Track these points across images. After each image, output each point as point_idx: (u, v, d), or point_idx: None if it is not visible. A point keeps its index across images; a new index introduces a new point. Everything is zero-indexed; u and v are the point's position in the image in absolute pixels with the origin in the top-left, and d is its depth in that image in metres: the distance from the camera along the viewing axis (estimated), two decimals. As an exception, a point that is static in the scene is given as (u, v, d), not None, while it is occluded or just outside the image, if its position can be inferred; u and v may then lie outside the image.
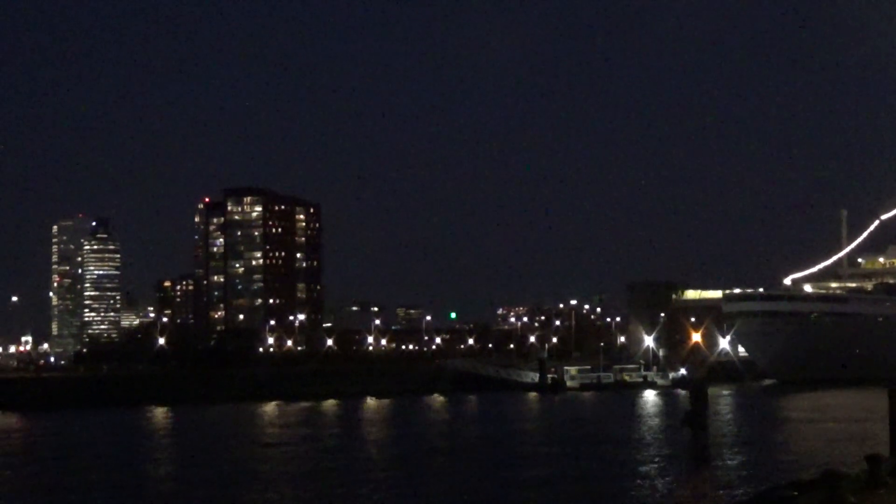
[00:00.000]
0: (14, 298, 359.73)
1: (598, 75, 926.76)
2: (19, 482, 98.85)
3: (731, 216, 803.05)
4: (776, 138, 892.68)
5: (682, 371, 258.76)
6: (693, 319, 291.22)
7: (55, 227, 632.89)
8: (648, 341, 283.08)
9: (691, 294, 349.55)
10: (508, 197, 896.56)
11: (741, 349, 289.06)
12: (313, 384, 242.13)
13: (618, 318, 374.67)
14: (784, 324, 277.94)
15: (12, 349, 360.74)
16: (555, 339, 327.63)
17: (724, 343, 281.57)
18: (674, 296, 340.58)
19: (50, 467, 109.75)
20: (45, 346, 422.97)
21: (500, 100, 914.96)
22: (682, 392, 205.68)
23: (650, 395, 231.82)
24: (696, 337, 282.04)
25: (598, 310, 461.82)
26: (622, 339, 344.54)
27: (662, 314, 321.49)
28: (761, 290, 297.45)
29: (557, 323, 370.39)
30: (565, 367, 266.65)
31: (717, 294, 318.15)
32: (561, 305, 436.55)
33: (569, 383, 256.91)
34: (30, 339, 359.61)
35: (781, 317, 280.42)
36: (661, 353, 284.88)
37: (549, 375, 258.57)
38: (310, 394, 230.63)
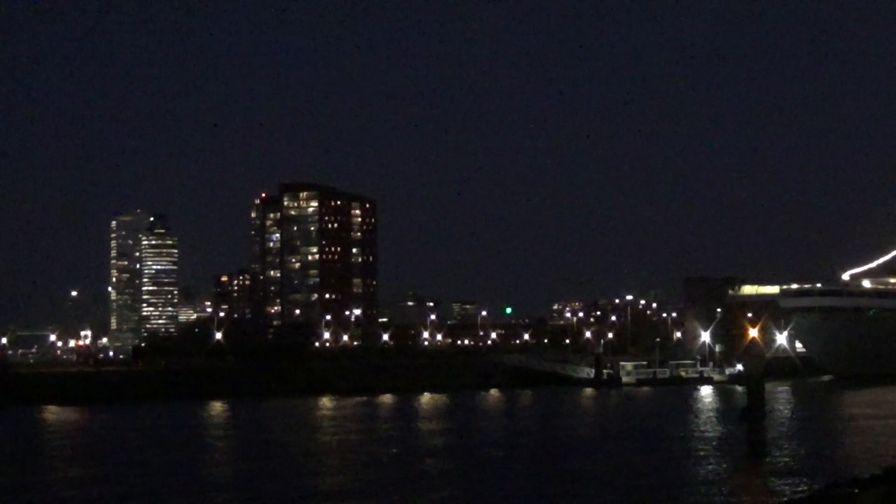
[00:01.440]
0: (74, 293, 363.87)
1: (653, 71, 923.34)
2: (84, 475, 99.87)
3: (789, 211, 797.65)
4: (836, 132, 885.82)
5: (739, 367, 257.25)
6: (750, 315, 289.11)
7: (113, 223, 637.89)
8: (705, 337, 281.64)
9: (748, 289, 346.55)
10: (565, 191, 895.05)
11: (798, 345, 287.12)
12: (369, 379, 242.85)
13: (674, 314, 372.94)
14: (842, 319, 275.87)
15: (72, 343, 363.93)
16: (610, 335, 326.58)
17: (781, 339, 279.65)
18: (730, 291, 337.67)
19: (113, 461, 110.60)
20: (105, 340, 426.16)
21: (552, 95, 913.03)
22: (738, 388, 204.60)
23: (706, 391, 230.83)
24: (753, 332, 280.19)
25: (654, 305, 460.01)
26: (678, 334, 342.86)
27: (719, 309, 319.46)
28: (819, 285, 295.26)
29: (613, 318, 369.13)
30: (621, 363, 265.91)
31: (774, 289, 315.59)
32: (617, 300, 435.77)
33: (625, 379, 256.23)
34: (89, 333, 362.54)
35: (839, 312, 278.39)
36: (717, 348, 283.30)
37: (605, 371, 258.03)
38: (365, 388, 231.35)
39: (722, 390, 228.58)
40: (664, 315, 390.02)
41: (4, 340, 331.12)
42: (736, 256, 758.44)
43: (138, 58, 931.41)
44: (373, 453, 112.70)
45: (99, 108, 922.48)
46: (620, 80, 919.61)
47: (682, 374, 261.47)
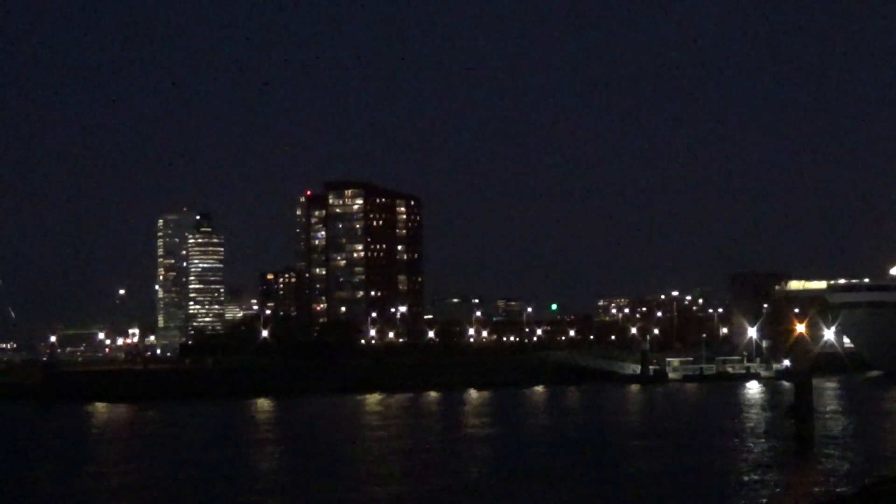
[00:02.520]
0: (122, 292, 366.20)
1: (696, 66, 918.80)
2: (133, 472, 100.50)
3: (837, 205, 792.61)
4: (887, 127, 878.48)
5: (786, 362, 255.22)
6: (797, 310, 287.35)
7: (160, 221, 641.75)
8: (751, 332, 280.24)
9: (795, 284, 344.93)
10: (610, 187, 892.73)
11: (846, 340, 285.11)
12: (414, 376, 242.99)
13: (720, 309, 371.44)
14: (890, 314, 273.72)
15: (120, 342, 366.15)
16: (656, 331, 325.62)
17: (828, 334, 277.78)
18: (777, 286, 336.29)
19: (162, 458, 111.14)
20: (152, 338, 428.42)
21: (598, 91, 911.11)
22: (785, 384, 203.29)
23: (753, 387, 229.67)
24: (801, 328, 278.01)
25: (701, 301, 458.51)
26: (724, 330, 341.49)
27: (765, 305, 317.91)
28: (867, 280, 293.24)
29: (659, 314, 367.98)
30: (667, 359, 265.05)
31: (821, 284, 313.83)
32: (662, 296, 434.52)
33: (671, 375, 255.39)
34: (137, 331, 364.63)
35: (887, 307, 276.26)
36: (764, 344, 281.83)
37: (651, 367, 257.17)
38: (411, 385, 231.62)
39: (769, 386, 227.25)
40: (710, 311, 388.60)
41: (53, 339, 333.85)
42: (783, 252, 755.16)
43: (185, 58, 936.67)
44: (420, 450, 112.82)
45: (146, 107, 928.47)
46: (664, 75, 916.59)
47: (729, 370, 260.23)
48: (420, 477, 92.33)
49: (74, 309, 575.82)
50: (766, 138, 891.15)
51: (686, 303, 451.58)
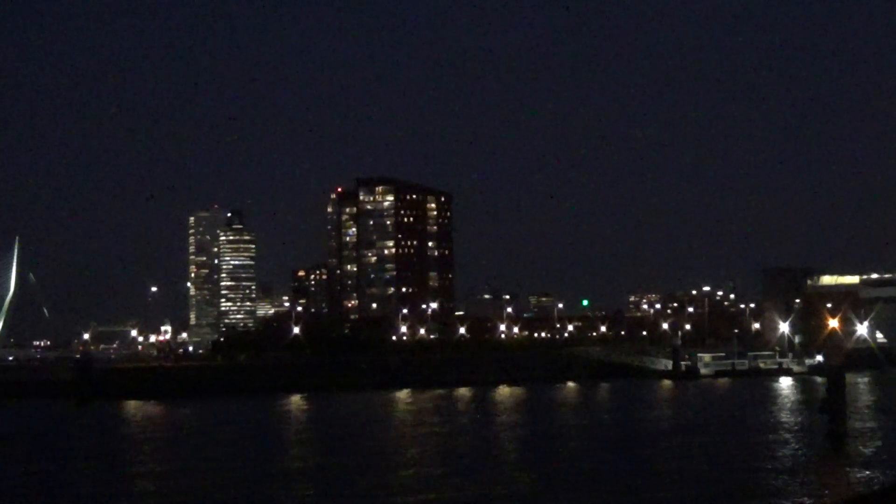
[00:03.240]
0: (154, 289, 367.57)
1: (726, 60, 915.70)
2: (168, 469, 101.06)
3: (870, 199, 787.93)
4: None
5: (819, 358, 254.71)
6: (829, 305, 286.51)
7: (192, 219, 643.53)
8: (783, 328, 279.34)
9: (827, 279, 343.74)
10: (640, 182, 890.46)
11: (879, 335, 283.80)
12: (446, 372, 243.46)
13: (752, 305, 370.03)
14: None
15: (152, 339, 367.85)
16: (688, 326, 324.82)
17: (861, 329, 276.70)
18: (809, 281, 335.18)
19: (195, 454, 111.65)
20: (184, 335, 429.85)
21: (627, 86, 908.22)
22: (818, 379, 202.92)
23: (786, 382, 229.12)
24: (833, 323, 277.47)
25: (732, 296, 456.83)
26: (756, 325, 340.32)
27: (798, 300, 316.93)
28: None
29: (691, 309, 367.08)
30: (699, 354, 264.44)
31: (854, 279, 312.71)
32: (694, 292, 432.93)
33: (703, 370, 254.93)
34: (169, 328, 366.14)
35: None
36: (796, 339, 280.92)
37: (683, 363, 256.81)
38: (442, 381, 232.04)
39: (801, 382, 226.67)
40: (742, 306, 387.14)
41: (86, 336, 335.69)
42: (815, 246, 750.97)
43: (215, 55, 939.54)
44: (451, 446, 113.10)
45: (176, 104, 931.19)
46: (693, 69, 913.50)
47: (761, 365, 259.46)
48: (455, 485, 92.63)
49: (107, 307, 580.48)
50: (799, 132, 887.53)
51: (718, 298, 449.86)
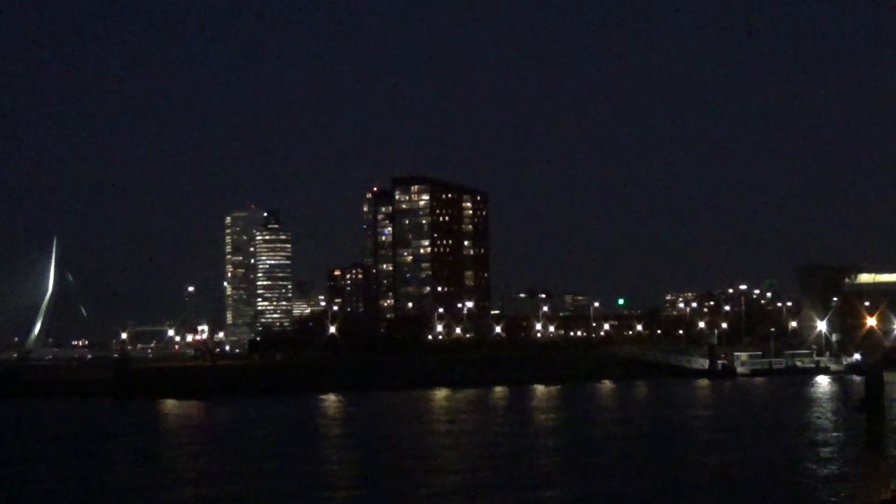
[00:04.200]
0: (191, 289, 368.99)
1: (771, 59, 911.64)
2: (209, 470, 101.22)
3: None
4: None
5: (857, 356, 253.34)
6: (867, 303, 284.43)
7: (228, 218, 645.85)
8: (821, 326, 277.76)
9: (865, 277, 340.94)
10: (675, 181, 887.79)
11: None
12: (482, 371, 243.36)
13: (789, 303, 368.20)
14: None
15: (189, 338, 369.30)
16: (724, 325, 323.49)
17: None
18: (847, 279, 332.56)
19: (235, 454, 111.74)
20: (221, 334, 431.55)
21: (661, 85, 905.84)
22: (856, 378, 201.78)
23: (823, 381, 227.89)
24: (871, 321, 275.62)
25: (769, 294, 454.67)
26: (793, 324, 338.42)
27: (835, 298, 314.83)
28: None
29: (727, 308, 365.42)
30: (735, 353, 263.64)
31: (892, 277, 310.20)
32: (730, 290, 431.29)
33: (739, 369, 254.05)
34: (206, 327, 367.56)
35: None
36: (833, 337, 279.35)
37: (720, 361, 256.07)
38: (478, 380, 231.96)
39: (839, 380, 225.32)
40: (779, 304, 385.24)
41: (124, 336, 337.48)
42: (853, 244, 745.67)
43: (252, 56, 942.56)
44: (490, 446, 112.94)
45: (212, 105, 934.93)
46: (727, 67, 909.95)
47: (798, 364, 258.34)
48: (480, 466, 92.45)
49: (145, 306, 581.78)
50: (836, 129, 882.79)
51: (754, 296, 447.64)
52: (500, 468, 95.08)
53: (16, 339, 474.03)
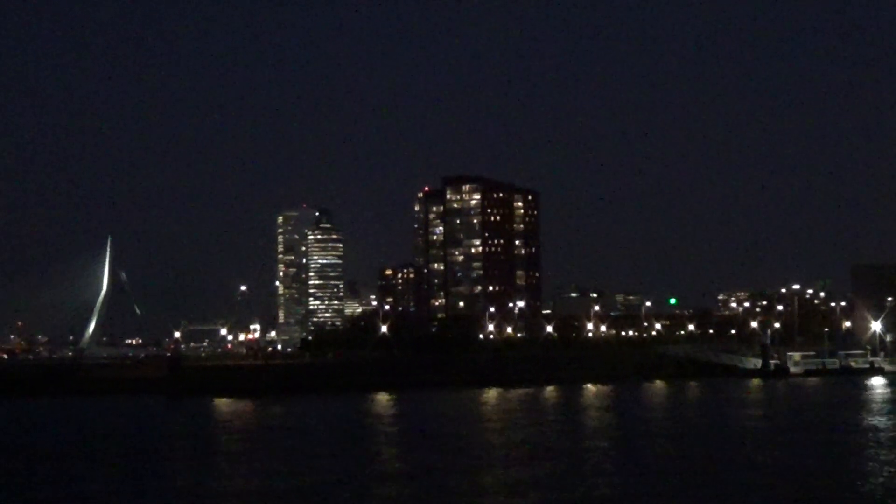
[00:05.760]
0: (243, 288, 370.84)
1: (829, 52, 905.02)
2: (263, 468, 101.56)
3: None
4: None
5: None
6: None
7: (280, 218, 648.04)
8: (875, 326, 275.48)
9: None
10: (730, 178, 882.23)
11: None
12: (533, 370, 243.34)
13: (843, 303, 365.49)
14: None
15: (242, 337, 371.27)
16: (777, 325, 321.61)
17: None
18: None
19: (291, 453, 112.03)
20: (273, 333, 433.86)
21: (714, 86, 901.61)
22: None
23: (878, 382, 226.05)
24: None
25: (822, 294, 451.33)
26: (847, 323, 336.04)
27: (890, 298, 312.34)
28: None
29: (780, 308, 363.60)
30: (789, 353, 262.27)
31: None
32: (783, 290, 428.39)
33: (792, 369, 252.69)
34: (258, 327, 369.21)
35: None
36: (888, 338, 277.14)
37: (773, 361, 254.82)
38: (529, 380, 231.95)
39: (893, 381, 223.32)
40: (833, 304, 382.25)
41: (177, 335, 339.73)
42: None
43: (305, 55, 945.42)
44: (542, 445, 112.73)
45: (266, 104, 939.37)
46: (783, 62, 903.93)
47: (852, 364, 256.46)
48: (533, 465, 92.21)
49: (197, 305, 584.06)
50: (889, 124, 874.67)
51: (808, 296, 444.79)
52: (548, 465, 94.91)
53: (70, 337, 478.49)
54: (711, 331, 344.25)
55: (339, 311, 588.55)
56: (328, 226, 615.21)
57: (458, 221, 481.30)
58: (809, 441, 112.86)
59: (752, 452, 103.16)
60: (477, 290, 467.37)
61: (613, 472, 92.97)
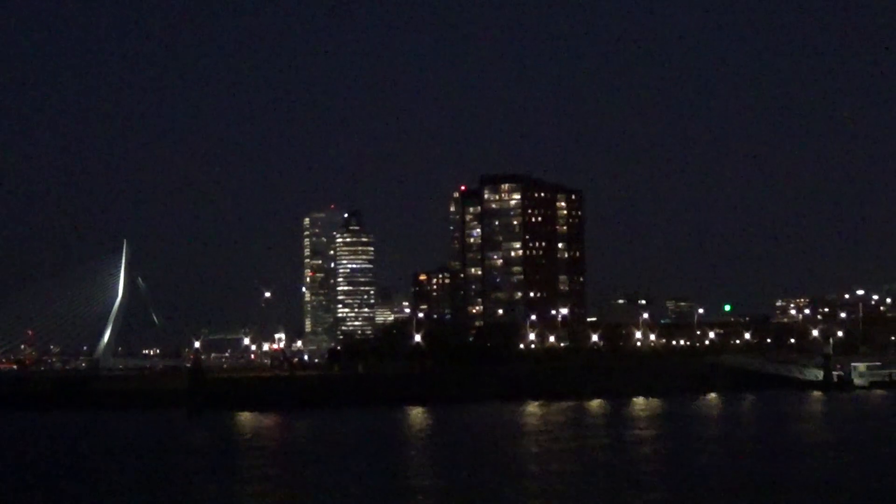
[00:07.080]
0: (267, 294, 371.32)
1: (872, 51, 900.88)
2: (285, 482, 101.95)
3: None
4: None
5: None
6: None
7: (307, 220, 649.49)
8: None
9: None
10: (789, 179, 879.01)
11: None
12: (577, 382, 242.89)
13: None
14: None
15: (266, 347, 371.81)
16: (840, 333, 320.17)
17: None
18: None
19: (316, 474, 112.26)
20: (299, 343, 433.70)
21: (769, 86, 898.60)
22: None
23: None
24: None
25: (889, 300, 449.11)
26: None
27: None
28: None
29: (843, 315, 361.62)
30: (852, 364, 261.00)
31: None
32: (846, 296, 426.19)
33: (856, 381, 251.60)
34: (283, 336, 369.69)
35: None
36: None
37: (835, 372, 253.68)
38: (574, 392, 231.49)
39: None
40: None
41: (198, 345, 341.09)
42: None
43: (335, 53, 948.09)
44: (587, 466, 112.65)
45: (291, 104, 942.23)
46: (841, 66, 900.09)
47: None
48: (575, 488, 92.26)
49: (219, 313, 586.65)
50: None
51: (873, 302, 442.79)
52: (599, 482, 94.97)
53: (84, 347, 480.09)
54: (769, 340, 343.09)
55: (370, 320, 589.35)
56: (358, 228, 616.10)
57: (496, 223, 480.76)
58: (877, 458, 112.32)
59: (818, 471, 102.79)
60: (517, 297, 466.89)
61: (664, 487, 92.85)
